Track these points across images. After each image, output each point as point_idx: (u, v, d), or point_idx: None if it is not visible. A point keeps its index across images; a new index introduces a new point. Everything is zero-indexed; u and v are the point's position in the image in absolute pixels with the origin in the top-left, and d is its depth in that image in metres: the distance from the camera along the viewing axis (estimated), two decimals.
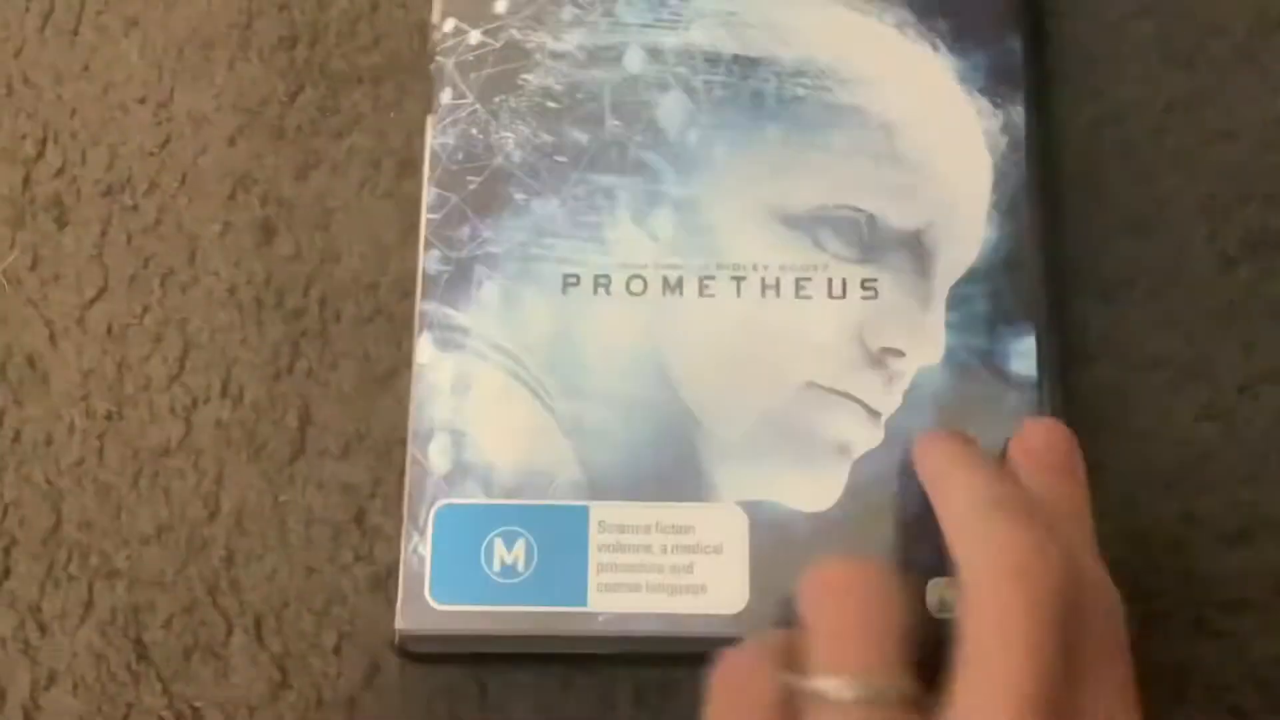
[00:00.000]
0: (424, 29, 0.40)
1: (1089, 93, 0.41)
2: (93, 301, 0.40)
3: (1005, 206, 0.38)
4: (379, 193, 0.41)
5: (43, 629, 0.37)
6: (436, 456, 0.37)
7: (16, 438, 0.39)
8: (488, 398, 0.37)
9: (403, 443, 0.37)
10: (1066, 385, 0.38)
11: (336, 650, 0.37)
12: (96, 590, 0.38)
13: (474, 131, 0.39)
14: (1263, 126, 0.40)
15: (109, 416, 0.39)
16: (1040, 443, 0.34)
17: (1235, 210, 0.40)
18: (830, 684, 0.30)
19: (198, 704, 0.37)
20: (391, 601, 0.36)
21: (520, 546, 0.36)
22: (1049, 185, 0.39)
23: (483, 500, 0.36)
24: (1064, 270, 0.39)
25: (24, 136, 0.41)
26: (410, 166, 0.40)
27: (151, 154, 0.41)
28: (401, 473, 0.37)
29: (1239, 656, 0.37)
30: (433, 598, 0.36)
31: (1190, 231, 0.40)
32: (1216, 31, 0.41)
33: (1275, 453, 0.38)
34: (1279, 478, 0.38)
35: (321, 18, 0.42)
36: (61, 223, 0.41)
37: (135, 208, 0.41)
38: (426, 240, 0.38)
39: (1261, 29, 0.41)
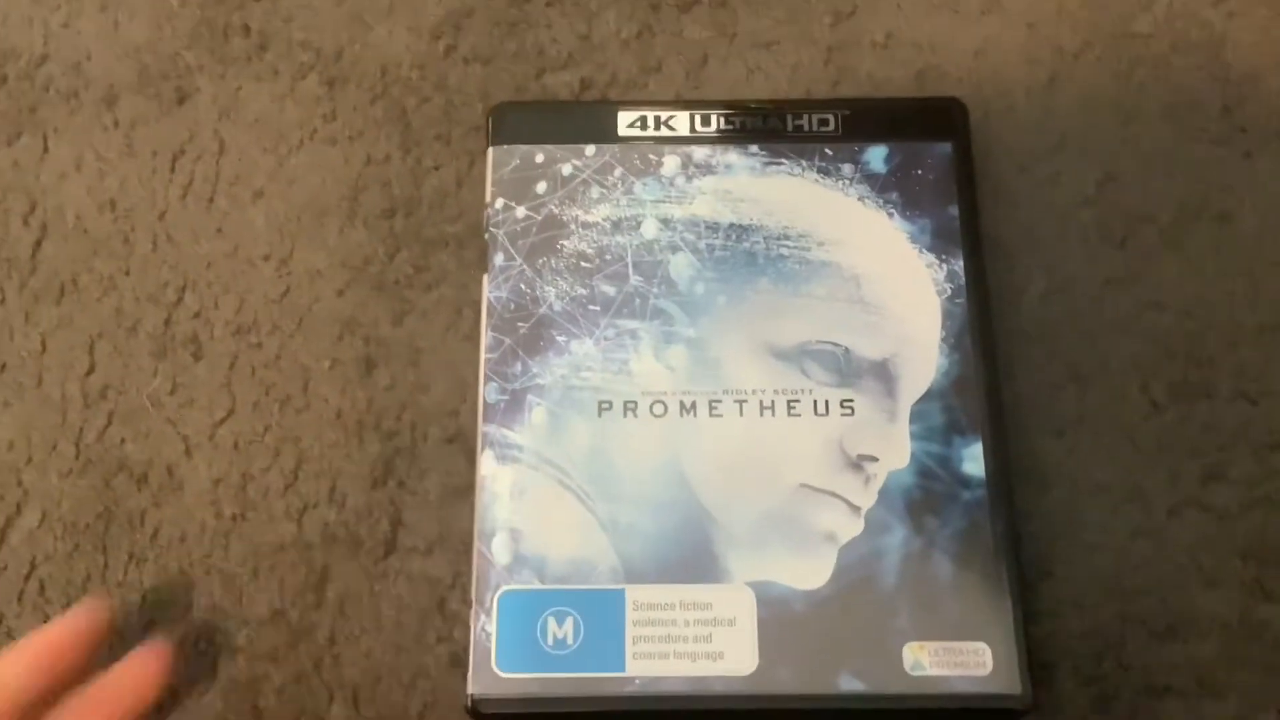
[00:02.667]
0: None
1: (1042, 268, 0.41)
2: (222, 421, 0.40)
3: (953, 340, 0.38)
4: (460, 336, 0.41)
5: (175, 697, 0.37)
6: (499, 551, 0.36)
7: (155, 534, 0.39)
8: (540, 502, 0.37)
9: None
10: (1017, 501, 0.38)
11: (421, 717, 0.37)
12: (220, 663, 0.37)
13: (522, 287, 0.39)
14: (1184, 299, 0.41)
15: (234, 518, 0.39)
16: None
17: (1162, 366, 0.40)
18: None
19: None
20: (465, 674, 0.35)
21: (569, 623, 0.36)
22: (988, 323, 0.39)
23: (537, 586, 0.36)
24: (1023, 410, 0.39)
25: (166, 284, 0.41)
26: None
27: (273, 301, 0.41)
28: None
29: None
30: (498, 667, 0.35)
31: (1126, 382, 0.40)
32: (1146, 220, 0.42)
33: (1196, 565, 0.38)
34: (1200, 584, 0.37)
35: (416, 194, 0.42)
36: (197, 356, 0.41)
37: (259, 345, 0.41)
38: (486, 375, 0.38)
39: (1183, 219, 0.42)
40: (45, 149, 0.43)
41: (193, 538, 0.38)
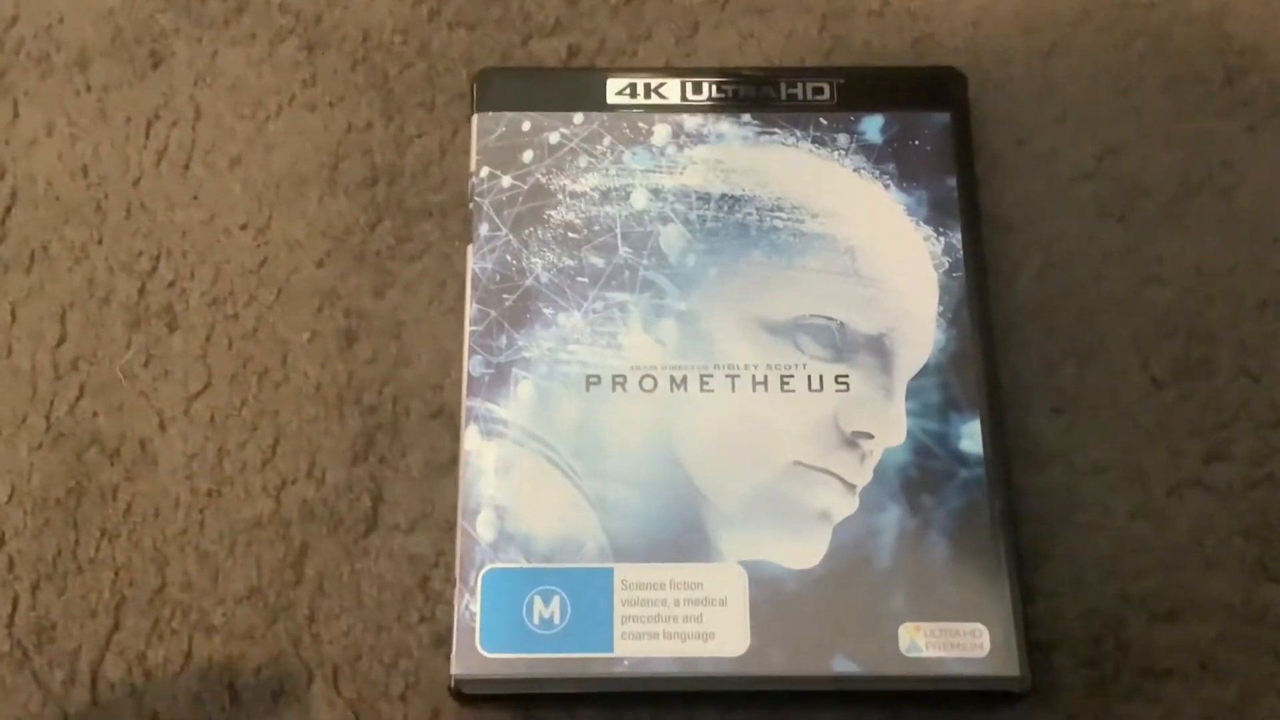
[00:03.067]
0: None
1: (1040, 242, 0.40)
2: (197, 395, 0.39)
3: (950, 315, 0.38)
4: (443, 309, 0.40)
5: (148, 675, 0.36)
6: (483, 528, 0.35)
7: (129, 510, 0.37)
8: (526, 478, 0.36)
9: None
10: (1015, 480, 0.37)
11: (403, 697, 0.36)
12: (196, 642, 0.36)
13: (508, 258, 0.38)
14: (1185, 274, 0.40)
15: (209, 493, 0.38)
16: None
17: (1162, 343, 0.39)
18: None
19: None
20: (448, 653, 0.34)
21: (556, 603, 0.35)
22: (986, 298, 0.38)
23: (523, 564, 0.35)
24: (1021, 387, 0.38)
25: (140, 254, 0.40)
26: None
27: (251, 272, 0.40)
28: None
29: (1170, 719, 0.35)
30: (483, 647, 0.34)
31: (1125, 359, 0.39)
32: (1145, 194, 0.41)
33: (1197, 545, 0.37)
34: (1200, 566, 0.37)
35: (398, 162, 0.41)
36: (172, 327, 0.39)
37: (236, 317, 0.39)
38: (471, 348, 0.37)
39: (1184, 192, 0.41)
40: (15, 114, 0.42)
41: (167, 514, 0.37)
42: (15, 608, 0.36)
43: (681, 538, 0.35)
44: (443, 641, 0.36)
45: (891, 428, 0.36)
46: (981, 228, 0.39)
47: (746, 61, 0.43)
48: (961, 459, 0.36)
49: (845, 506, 0.36)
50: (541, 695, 0.35)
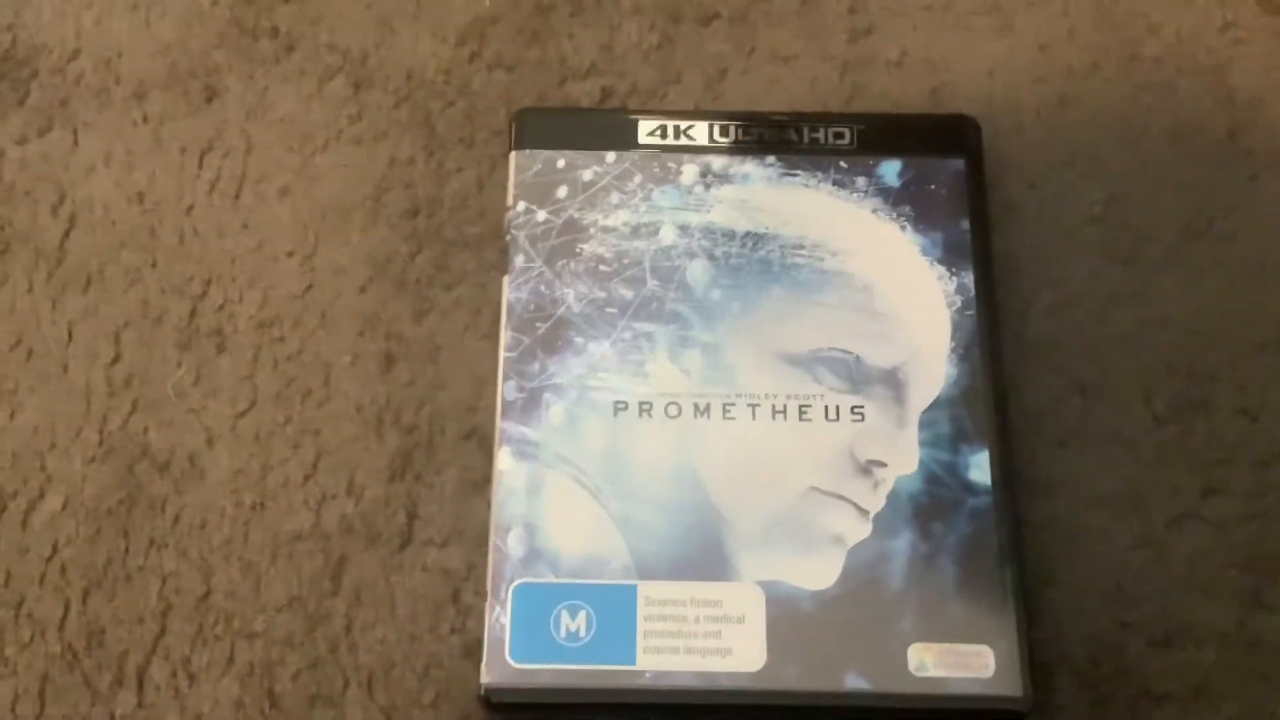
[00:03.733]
0: None
1: (1049, 282, 0.42)
2: (244, 413, 0.40)
3: (961, 351, 0.39)
4: (478, 335, 0.41)
5: (191, 679, 0.37)
6: (514, 544, 0.37)
7: (176, 521, 0.39)
8: (555, 498, 0.37)
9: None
10: (1021, 509, 0.38)
11: (434, 705, 0.37)
12: (237, 648, 0.38)
13: (542, 288, 0.40)
14: (1186, 316, 0.41)
15: (254, 507, 0.39)
16: None
17: (1164, 381, 0.40)
18: None
19: None
20: (479, 663, 0.36)
21: (582, 617, 0.36)
22: (996, 335, 0.39)
23: (551, 580, 0.37)
24: (1028, 421, 0.40)
25: (191, 278, 0.42)
26: None
27: (296, 297, 0.42)
28: None
29: None
30: (511, 658, 0.36)
31: (1129, 396, 0.40)
32: (1150, 238, 0.42)
33: (1194, 575, 0.38)
34: (1197, 595, 0.38)
35: (439, 194, 0.43)
36: (220, 348, 0.41)
37: (282, 339, 0.41)
38: (505, 373, 0.39)
39: (1187, 238, 0.42)
40: (75, 142, 0.44)
41: (213, 525, 0.39)
42: (67, 612, 0.38)
43: (702, 558, 0.37)
44: (473, 652, 0.37)
45: (904, 457, 0.38)
46: (993, 268, 0.41)
47: (771, 106, 0.44)
48: (970, 488, 0.37)
49: (859, 531, 0.37)
50: (567, 704, 0.36)
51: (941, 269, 0.40)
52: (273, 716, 0.37)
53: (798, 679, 0.35)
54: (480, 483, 0.39)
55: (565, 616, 0.36)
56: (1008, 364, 0.40)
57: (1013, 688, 0.35)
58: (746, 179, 0.42)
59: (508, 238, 0.41)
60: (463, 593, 0.38)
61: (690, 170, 0.42)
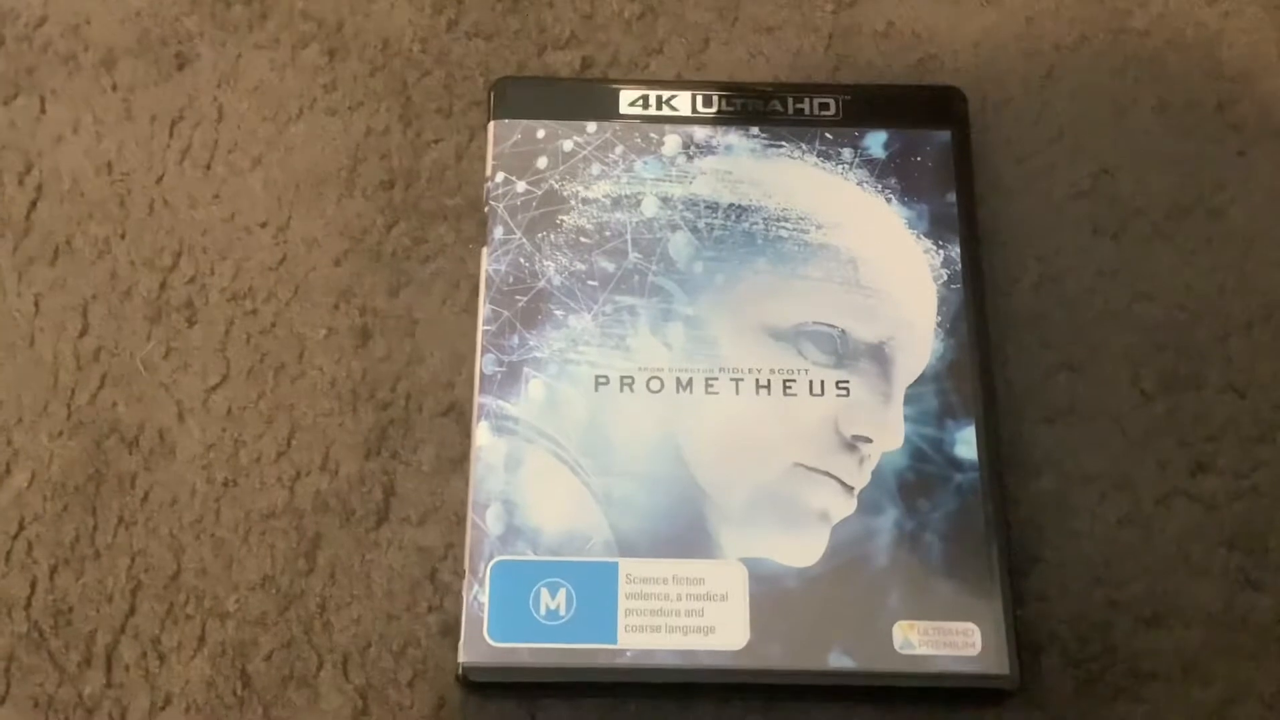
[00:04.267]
0: None
1: (1036, 257, 0.41)
2: (215, 387, 0.39)
3: (948, 325, 0.39)
4: (456, 309, 0.40)
5: (161, 659, 0.36)
6: (493, 521, 0.36)
7: (146, 497, 0.38)
8: (534, 474, 0.37)
9: None
10: (1008, 486, 0.38)
11: (410, 685, 0.36)
12: (209, 628, 0.37)
13: (521, 260, 0.39)
14: (1175, 291, 0.41)
15: (225, 483, 0.38)
16: None
17: (1152, 357, 0.40)
18: None
19: None
20: (456, 642, 0.35)
21: (562, 595, 0.36)
22: (982, 310, 0.39)
23: (531, 557, 0.36)
24: (1015, 397, 0.39)
25: (162, 249, 0.41)
26: None
27: (270, 269, 0.41)
28: None
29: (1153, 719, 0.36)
30: (490, 637, 0.35)
31: (1116, 372, 0.40)
32: (1138, 213, 0.42)
33: (1182, 553, 0.38)
34: (1186, 573, 0.38)
35: (415, 166, 0.42)
36: (191, 321, 0.40)
37: (254, 312, 0.40)
38: (484, 347, 0.38)
39: (1175, 213, 0.42)
40: (42, 110, 0.43)
41: (183, 502, 0.38)
42: (34, 590, 0.37)
43: (684, 534, 0.36)
44: (450, 631, 0.36)
45: (889, 432, 0.37)
46: (979, 242, 0.40)
47: (755, 77, 0.44)
48: (957, 464, 0.37)
49: (844, 507, 0.36)
50: (546, 684, 0.35)
51: (928, 242, 0.40)
52: (245, 697, 0.36)
53: (781, 657, 0.35)
54: (458, 459, 0.38)
55: (545, 594, 0.36)
56: (994, 339, 0.39)
57: (999, 665, 0.35)
58: (730, 150, 0.41)
59: (486, 209, 0.40)
60: (440, 571, 0.37)
61: (673, 141, 0.41)
